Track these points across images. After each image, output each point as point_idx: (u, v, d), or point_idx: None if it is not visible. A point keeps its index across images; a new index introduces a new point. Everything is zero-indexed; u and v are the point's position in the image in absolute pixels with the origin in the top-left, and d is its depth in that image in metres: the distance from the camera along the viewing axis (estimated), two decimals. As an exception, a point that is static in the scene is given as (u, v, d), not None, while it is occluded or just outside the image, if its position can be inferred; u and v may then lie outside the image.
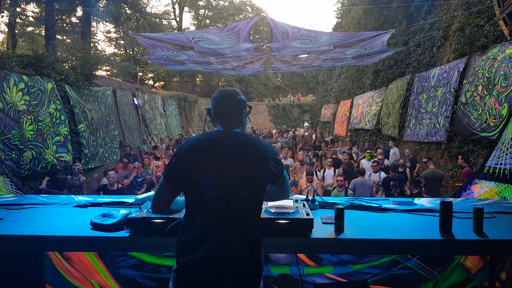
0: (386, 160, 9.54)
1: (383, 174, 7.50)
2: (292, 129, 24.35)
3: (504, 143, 3.65)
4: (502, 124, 3.68)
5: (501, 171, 3.58)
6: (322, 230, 2.04)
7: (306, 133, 21.47)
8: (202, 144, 1.69)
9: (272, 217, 1.96)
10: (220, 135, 1.73)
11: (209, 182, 1.63)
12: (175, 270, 1.65)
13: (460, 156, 7.32)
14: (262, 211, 2.02)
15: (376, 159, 8.71)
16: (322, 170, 8.37)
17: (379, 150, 9.98)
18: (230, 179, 1.62)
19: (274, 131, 24.34)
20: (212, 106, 1.81)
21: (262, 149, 1.72)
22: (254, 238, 1.64)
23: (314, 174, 7.54)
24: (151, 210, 1.83)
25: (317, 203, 2.50)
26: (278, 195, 1.86)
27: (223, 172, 1.63)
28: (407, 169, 8.39)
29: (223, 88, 1.87)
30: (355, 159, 10.21)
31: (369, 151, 10.27)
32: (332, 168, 8.02)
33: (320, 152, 11.57)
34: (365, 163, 9.14)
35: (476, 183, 3.88)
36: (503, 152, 3.61)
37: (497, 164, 3.65)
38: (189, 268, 1.60)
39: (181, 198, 1.93)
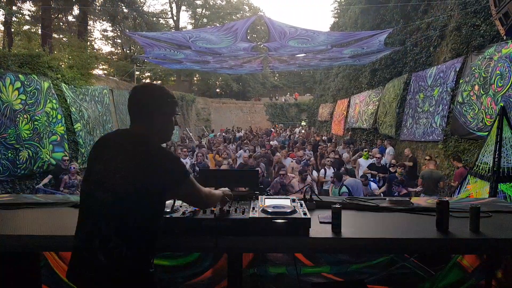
0: (383, 158, 9.58)
1: (374, 185, 7.49)
2: (289, 128, 24.38)
3: (489, 143, 3.70)
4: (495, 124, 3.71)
5: (492, 169, 3.61)
6: (319, 229, 2.03)
7: (300, 132, 21.52)
8: (100, 139, 1.71)
9: (269, 216, 1.95)
10: (113, 133, 1.74)
11: (84, 176, 1.67)
12: None
13: (452, 158, 7.35)
14: (259, 210, 2.01)
15: (373, 160, 8.76)
16: (322, 169, 8.38)
17: (375, 150, 10.03)
18: (92, 175, 1.61)
19: (273, 130, 24.33)
20: None
21: (148, 157, 1.56)
22: (114, 247, 1.49)
23: (311, 172, 7.58)
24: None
25: (314, 202, 2.50)
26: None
27: (92, 167, 1.62)
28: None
29: (138, 84, 1.81)
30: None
31: (366, 150, 10.31)
32: (332, 167, 8.05)
33: (319, 151, 11.60)
34: (362, 162, 9.17)
35: (469, 181, 3.91)
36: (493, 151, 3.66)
37: (488, 161, 3.69)
38: (72, 253, 1.62)
39: (217, 192, 1.95)
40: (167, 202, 1.84)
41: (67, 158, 8.56)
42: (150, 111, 1.66)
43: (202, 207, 1.84)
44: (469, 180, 3.95)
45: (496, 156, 3.40)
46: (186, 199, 1.77)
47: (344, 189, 6.43)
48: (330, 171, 7.90)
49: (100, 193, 1.54)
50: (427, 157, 8.37)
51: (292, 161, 9.16)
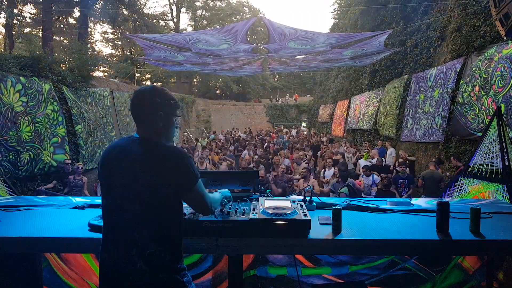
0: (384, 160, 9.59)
1: (376, 178, 7.52)
2: (289, 129, 24.37)
3: (487, 143, 3.70)
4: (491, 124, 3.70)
5: (486, 169, 3.62)
6: (319, 231, 2.04)
7: (299, 133, 21.48)
8: (109, 150, 1.70)
9: (269, 218, 1.95)
10: (120, 142, 1.71)
11: (103, 189, 1.67)
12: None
13: (452, 157, 7.34)
14: (260, 211, 2.02)
15: (367, 162, 8.74)
16: (323, 170, 8.37)
17: (374, 151, 10.02)
18: (115, 189, 1.60)
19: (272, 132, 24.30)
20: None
21: (161, 162, 1.58)
22: (150, 253, 1.55)
23: (311, 173, 7.59)
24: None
25: (314, 203, 2.50)
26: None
27: (110, 181, 1.62)
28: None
29: (140, 87, 1.77)
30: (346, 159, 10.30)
31: (366, 150, 10.31)
32: (333, 168, 8.05)
33: (319, 152, 11.61)
34: (362, 163, 9.17)
35: (464, 183, 3.91)
36: (489, 150, 3.66)
37: (482, 161, 3.69)
38: (100, 269, 1.63)
39: (217, 196, 1.96)
40: None
41: (69, 161, 8.58)
42: (155, 113, 1.66)
43: (206, 213, 1.82)
44: (462, 181, 3.94)
45: (505, 157, 3.39)
46: (192, 203, 1.74)
47: (344, 189, 6.42)
48: (331, 172, 7.90)
49: (128, 204, 1.57)
50: (434, 159, 8.31)
51: (289, 162, 9.19)
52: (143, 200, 1.56)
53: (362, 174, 7.77)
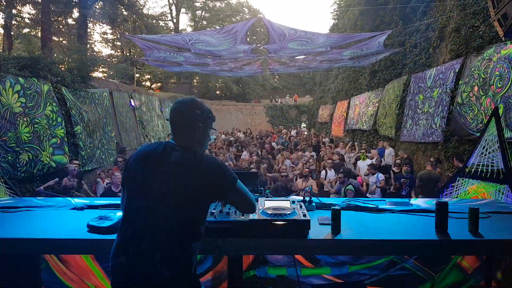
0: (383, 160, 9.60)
1: (381, 176, 7.53)
2: (288, 130, 24.37)
3: (484, 143, 3.70)
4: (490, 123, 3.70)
5: (483, 170, 3.63)
6: (319, 231, 2.04)
7: (299, 133, 21.48)
8: (141, 154, 1.74)
9: (269, 218, 1.96)
10: (156, 147, 1.74)
11: (133, 191, 1.67)
12: (110, 270, 1.67)
13: (454, 158, 7.36)
14: (259, 212, 2.02)
15: (371, 161, 8.74)
16: (324, 171, 8.37)
17: (373, 151, 10.03)
18: (152, 192, 1.61)
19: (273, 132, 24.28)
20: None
21: (200, 169, 1.65)
22: (175, 259, 1.56)
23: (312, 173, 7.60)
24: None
25: (313, 204, 2.50)
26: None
27: (146, 184, 1.63)
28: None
29: (181, 97, 1.84)
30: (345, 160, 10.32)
31: (363, 151, 10.31)
32: (333, 169, 8.05)
33: (320, 153, 11.61)
34: (360, 164, 9.18)
35: (462, 184, 3.91)
36: (486, 150, 3.67)
37: (480, 162, 3.69)
38: (114, 272, 1.62)
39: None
40: None
41: (77, 162, 8.61)
42: (194, 125, 1.73)
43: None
44: (460, 182, 3.94)
45: (506, 156, 3.39)
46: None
47: (350, 187, 6.46)
48: (331, 173, 7.91)
49: (161, 208, 1.58)
50: (432, 159, 8.33)
51: (291, 163, 9.20)
52: (178, 206, 1.59)
53: (368, 174, 7.78)
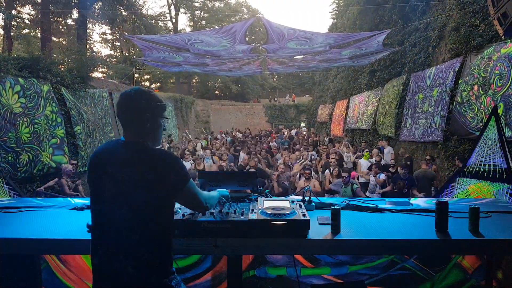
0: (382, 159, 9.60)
1: (383, 175, 7.56)
2: (288, 129, 24.39)
3: (484, 142, 3.70)
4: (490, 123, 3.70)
5: (484, 169, 3.63)
6: (318, 231, 2.04)
7: (296, 134, 21.49)
8: (93, 157, 1.70)
9: (268, 218, 1.95)
10: (107, 145, 1.70)
11: (92, 195, 1.66)
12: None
13: (456, 158, 7.38)
14: (259, 212, 2.01)
15: (374, 161, 8.77)
16: (326, 170, 8.38)
17: (375, 150, 10.03)
18: (105, 194, 1.59)
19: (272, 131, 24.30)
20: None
21: (151, 164, 1.57)
22: (141, 258, 1.54)
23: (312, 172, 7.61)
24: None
25: (313, 204, 2.50)
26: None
27: (99, 187, 1.61)
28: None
29: (126, 90, 1.74)
30: (344, 159, 10.34)
31: (367, 150, 10.32)
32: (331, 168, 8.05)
33: (320, 151, 11.62)
34: (363, 163, 9.18)
35: (462, 183, 3.91)
36: (486, 149, 3.66)
37: (480, 161, 3.69)
38: (93, 272, 1.64)
39: (214, 193, 1.98)
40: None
41: (74, 162, 8.62)
42: (142, 116, 1.65)
43: (202, 211, 1.86)
44: (460, 181, 3.94)
45: (507, 155, 3.38)
46: (186, 203, 1.77)
47: (356, 185, 6.53)
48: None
49: (116, 209, 1.56)
50: (428, 157, 8.37)
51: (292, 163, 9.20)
52: (132, 204, 1.55)
53: (372, 173, 7.81)
